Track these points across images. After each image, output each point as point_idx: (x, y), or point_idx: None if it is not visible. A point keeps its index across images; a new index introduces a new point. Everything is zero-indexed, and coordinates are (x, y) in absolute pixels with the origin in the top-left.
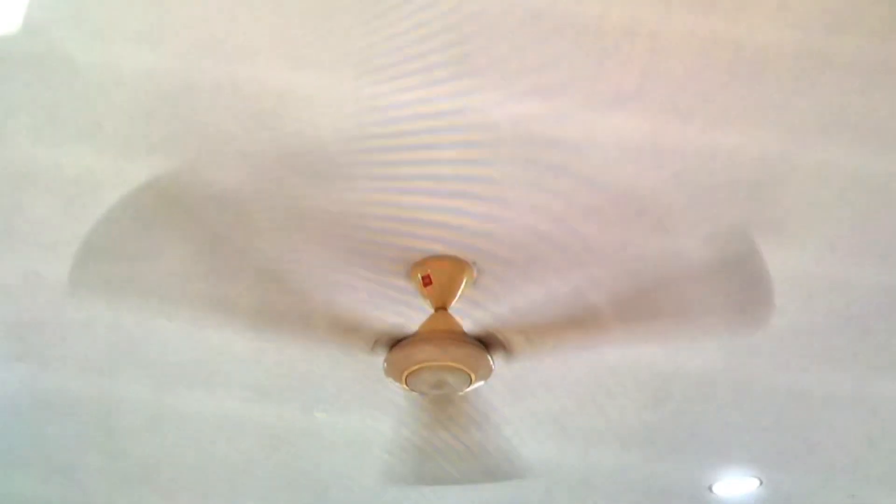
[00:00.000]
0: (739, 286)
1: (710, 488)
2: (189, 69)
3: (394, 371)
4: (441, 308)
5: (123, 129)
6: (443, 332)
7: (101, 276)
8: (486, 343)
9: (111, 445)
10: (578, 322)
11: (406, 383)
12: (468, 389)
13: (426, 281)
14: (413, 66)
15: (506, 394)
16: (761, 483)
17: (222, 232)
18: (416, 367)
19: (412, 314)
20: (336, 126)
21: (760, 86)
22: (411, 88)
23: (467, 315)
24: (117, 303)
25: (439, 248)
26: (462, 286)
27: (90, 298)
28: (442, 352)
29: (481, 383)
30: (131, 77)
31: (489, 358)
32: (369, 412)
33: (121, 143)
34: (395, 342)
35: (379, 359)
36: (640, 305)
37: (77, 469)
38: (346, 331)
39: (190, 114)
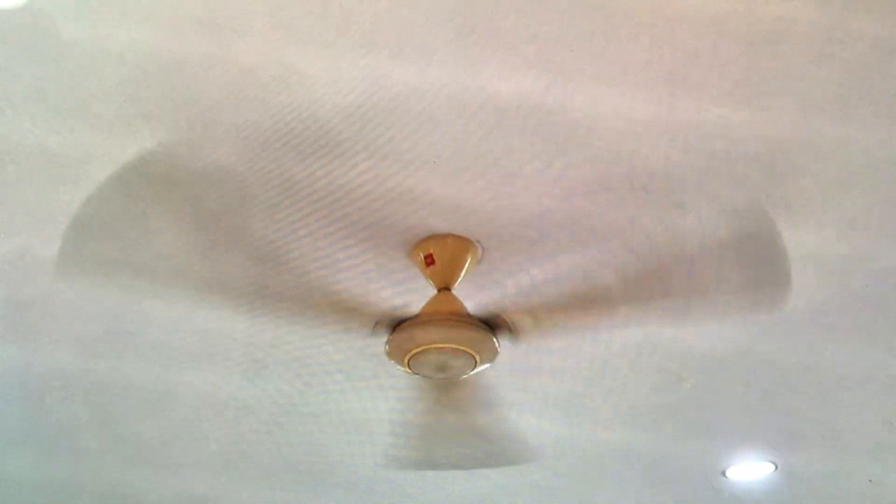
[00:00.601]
0: (755, 265)
1: (723, 473)
2: (180, 43)
3: (396, 354)
4: (444, 288)
5: (113, 105)
6: (446, 314)
7: (93, 256)
8: (491, 325)
9: (108, 427)
10: (587, 302)
11: (409, 366)
12: (473, 372)
13: (429, 261)
14: (413, 38)
15: (512, 376)
16: (776, 468)
17: (217, 210)
18: (418, 349)
19: (414, 295)
20: (334, 101)
21: (776, 60)
22: (412, 61)
23: (471, 296)
24: (110, 282)
25: (442, 227)
26: (466, 266)
27: (82, 278)
28: (445, 334)
29: (486, 366)
30: (120, 51)
31: (494, 340)
32: (371, 395)
33: (111, 120)
34: (397, 324)
35: (380, 341)
36: (650, 285)
37: (74, 451)
38: (347, 312)
39: (182, 89)
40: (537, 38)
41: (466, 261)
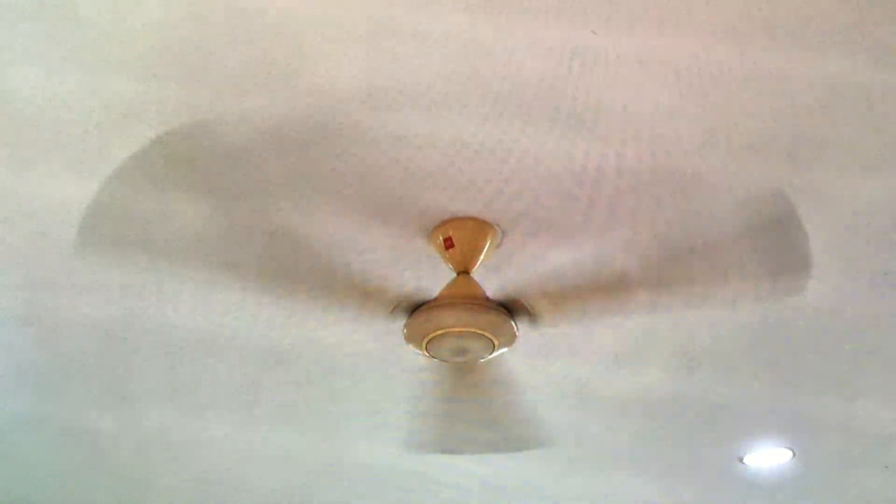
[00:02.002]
0: (775, 250)
1: (740, 460)
2: (199, 23)
3: (414, 337)
4: (463, 272)
5: (131, 85)
6: (465, 297)
7: (111, 237)
8: (509, 309)
9: (124, 413)
10: (606, 287)
11: (426, 350)
12: (491, 356)
13: (448, 243)
14: (432, 16)
15: (530, 361)
16: (794, 454)
17: (235, 192)
18: (437, 333)
19: (433, 278)
20: (352, 81)
21: (800, 41)
22: (431, 40)
23: (491, 279)
24: (128, 265)
25: (462, 209)
26: (485, 249)
27: (100, 260)
28: (464, 317)
29: (504, 350)
30: (138, 29)
31: (513, 324)
32: (388, 378)
33: (129, 99)
34: (416, 307)
35: (398, 324)
36: (670, 270)
37: (90, 434)
38: (365, 295)
39: (201, 69)
40: (559, 19)
41: (486, 244)
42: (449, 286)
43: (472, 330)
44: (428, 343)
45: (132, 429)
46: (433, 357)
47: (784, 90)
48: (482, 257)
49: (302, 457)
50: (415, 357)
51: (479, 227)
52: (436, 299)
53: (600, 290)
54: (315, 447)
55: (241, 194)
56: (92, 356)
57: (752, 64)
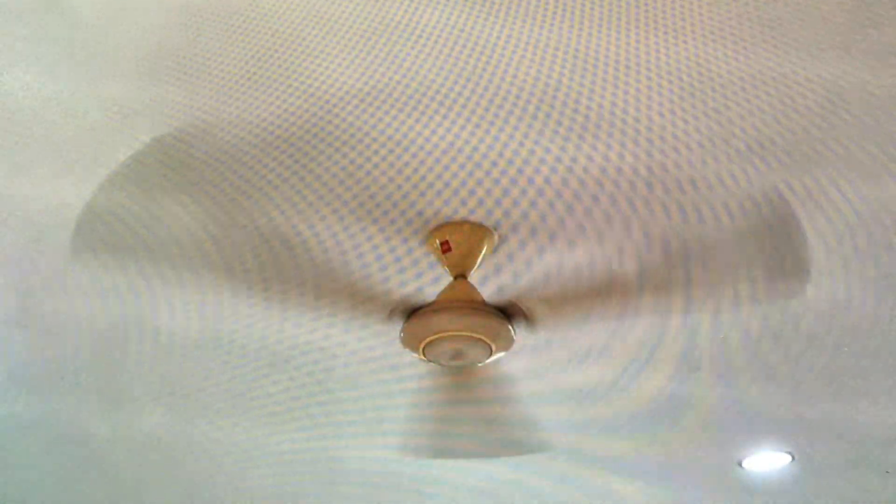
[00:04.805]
0: (775, 253)
1: (739, 464)
2: (194, 24)
3: (411, 341)
4: (460, 276)
5: (127, 86)
6: (462, 301)
7: (107, 241)
8: (507, 312)
9: (119, 416)
10: (604, 291)
11: (423, 354)
12: (488, 361)
13: (445, 247)
14: (428, 17)
15: (528, 365)
16: (793, 458)
17: (230, 194)
18: (433, 336)
19: (430, 282)
20: (347, 82)
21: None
22: (427, 41)
23: (488, 283)
24: (123, 269)
25: (459, 213)
26: (482, 253)
27: (95, 264)
28: (460, 321)
29: (502, 354)
30: (134, 31)
31: (510, 328)
32: (384, 382)
33: (125, 102)
34: (413, 311)
35: (395, 328)
36: (670, 273)
37: (85, 438)
38: (361, 299)
39: (196, 71)
40: (553, 24)
41: (483, 248)
42: (446, 290)
43: (469, 334)
44: (425, 347)
45: (127, 432)
46: (430, 361)
47: (784, 93)
48: (479, 261)
49: (297, 460)
50: (412, 361)
51: (476, 232)
52: (433, 303)
53: (599, 294)
54: (310, 450)
55: (237, 197)
56: (87, 359)
57: (751, 66)
